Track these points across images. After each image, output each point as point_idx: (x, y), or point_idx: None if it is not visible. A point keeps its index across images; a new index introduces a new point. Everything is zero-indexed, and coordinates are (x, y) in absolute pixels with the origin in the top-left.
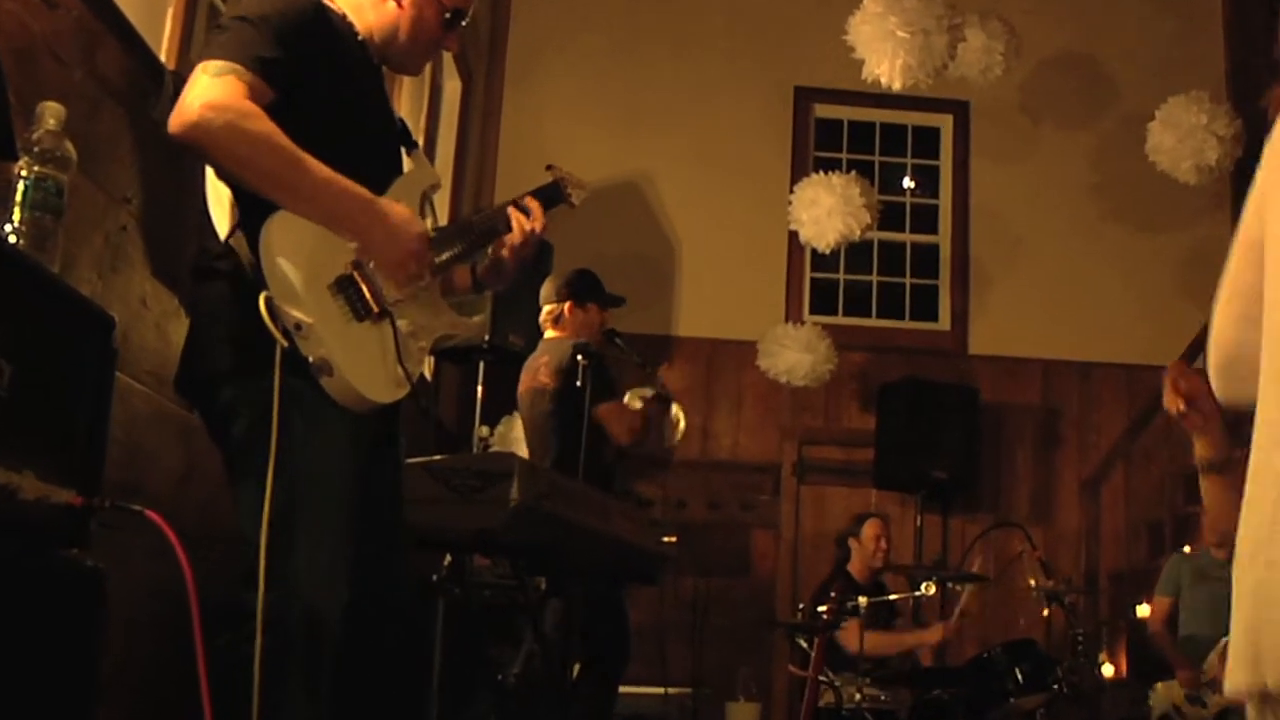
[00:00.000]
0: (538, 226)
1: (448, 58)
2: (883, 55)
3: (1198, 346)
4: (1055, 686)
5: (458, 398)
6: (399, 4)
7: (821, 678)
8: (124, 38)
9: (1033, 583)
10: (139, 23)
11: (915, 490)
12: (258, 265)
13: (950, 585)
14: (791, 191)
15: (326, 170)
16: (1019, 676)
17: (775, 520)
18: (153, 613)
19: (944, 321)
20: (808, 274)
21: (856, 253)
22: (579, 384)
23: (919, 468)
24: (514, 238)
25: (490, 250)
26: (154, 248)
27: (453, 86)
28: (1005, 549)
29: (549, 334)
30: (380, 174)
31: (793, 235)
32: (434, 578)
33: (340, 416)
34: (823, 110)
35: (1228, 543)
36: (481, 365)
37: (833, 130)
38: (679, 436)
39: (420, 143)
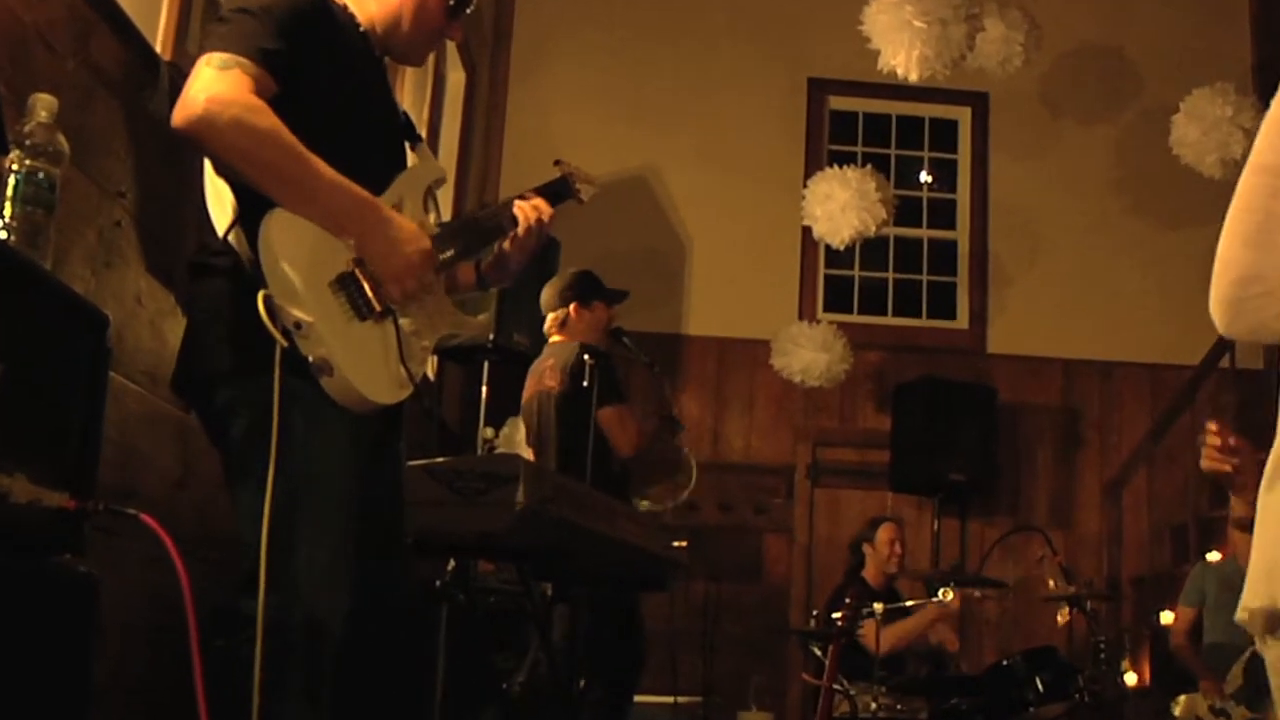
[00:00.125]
0: (545, 219)
1: (451, 48)
2: (899, 45)
3: (1223, 345)
4: (1076, 695)
5: (461, 398)
6: None
7: (836, 686)
8: (118, 27)
9: (1053, 586)
10: (134, 12)
11: (932, 493)
12: (257, 262)
13: (969, 591)
14: (805, 186)
15: (332, 171)
16: (1039, 685)
17: (788, 524)
18: (148, 619)
19: (962, 320)
20: (822, 271)
21: (872, 249)
22: (585, 384)
23: (936, 470)
24: (520, 233)
25: (495, 246)
26: (149, 244)
27: (456, 78)
28: (1025, 554)
29: (555, 339)
30: (383, 168)
31: (806, 231)
32: (437, 583)
33: (341, 417)
34: (837, 102)
35: None
36: (486, 365)
37: (847, 123)
38: (690, 484)
39: (423, 136)
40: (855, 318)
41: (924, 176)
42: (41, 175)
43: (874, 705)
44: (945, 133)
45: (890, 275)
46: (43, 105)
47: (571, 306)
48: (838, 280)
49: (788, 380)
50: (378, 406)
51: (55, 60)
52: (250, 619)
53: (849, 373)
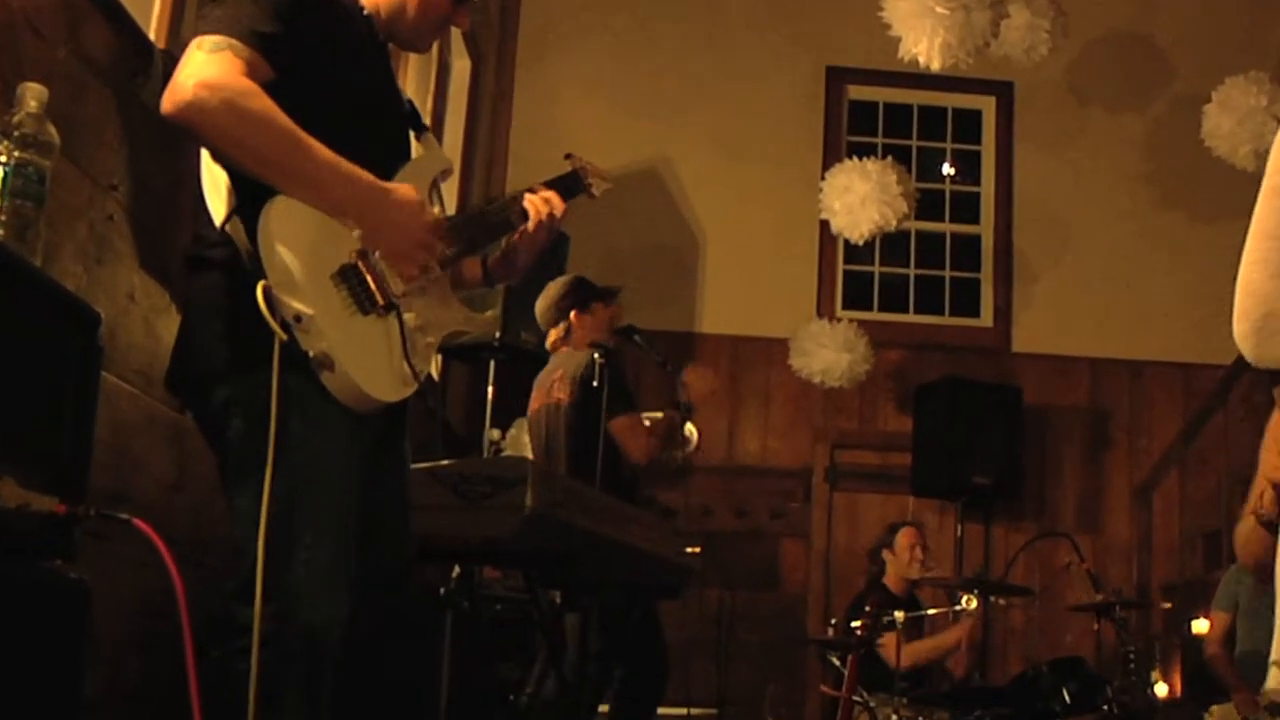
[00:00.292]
0: (556, 213)
1: (456, 35)
2: (921, 33)
3: None
4: (1105, 707)
5: (466, 398)
6: None
7: (856, 698)
8: (111, 13)
9: (1080, 594)
10: None
11: (955, 497)
12: (255, 253)
13: (992, 599)
14: (823, 178)
15: (329, 153)
16: (1066, 696)
17: (806, 529)
18: (141, 627)
19: (986, 317)
20: (840, 266)
21: (892, 244)
22: (595, 384)
23: (959, 473)
24: (530, 227)
25: (503, 241)
26: (143, 238)
27: (462, 66)
28: (1051, 560)
29: (561, 349)
30: (387, 159)
31: (824, 225)
32: (441, 590)
33: (342, 416)
34: (857, 92)
35: None
36: (492, 364)
37: (867, 113)
38: (689, 450)
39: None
40: (875, 315)
41: (946, 169)
42: (31, 167)
43: (894, 717)
44: (969, 123)
45: (911, 271)
46: (32, 95)
47: (571, 315)
48: (857, 276)
49: (805, 380)
50: (380, 404)
51: (45, 48)
52: (246, 628)
53: (869, 372)
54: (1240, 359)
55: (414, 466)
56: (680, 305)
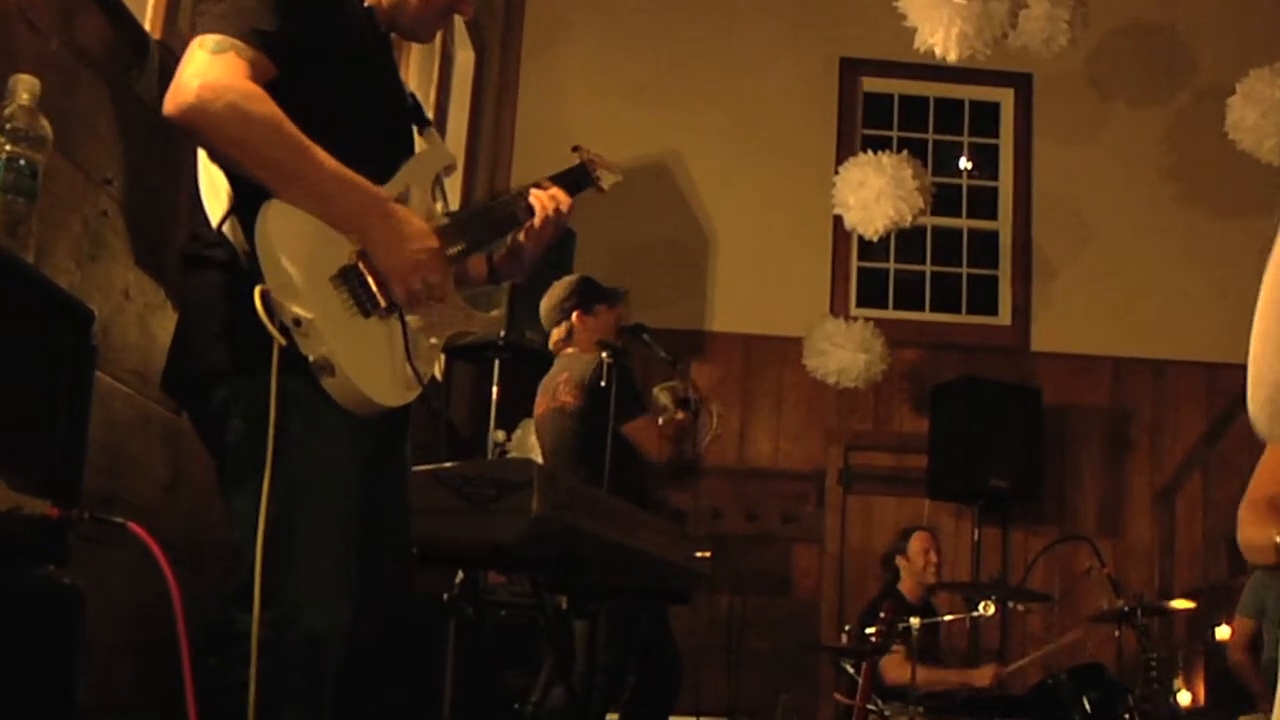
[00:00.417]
0: (563, 209)
1: (460, 26)
2: (937, 23)
3: None
4: (1126, 716)
5: (471, 399)
6: None
7: (870, 706)
8: (105, 4)
9: (1101, 600)
10: None
11: (972, 500)
12: (253, 254)
13: (1010, 605)
14: (836, 173)
15: (333, 161)
16: (1086, 705)
17: (819, 533)
18: (136, 634)
19: (1004, 315)
20: (854, 263)
21: (908, 240)
22: (604, 385)
23: (976, 476)
24: (537, 223)
25: (509, 238)
26: (138, 234)
27: (465, 57)
28: (1071, 565)
29: (566, 351)
30: (389, 154)
31: (838, 220)
32: (445, 596)
33: (343, 420)
34: (871, 84)
35: None
36: (497, 363)
37: (882, 106)
38: (709, 437)
39: (431, 119)
40: (890, 313)
41: (963, 163)
42: (23, 161)
43: None
44: (986, 116)
45: (927, 268)
46: (24, 87)
47: (574, 316)
48: (871, 273)
49: (818, 380)
50: (382, 409)
51: (38, 39)
52: (244, 635)
53: (884, 372)
54: None
55: (417, 469)
56: (690, 303)
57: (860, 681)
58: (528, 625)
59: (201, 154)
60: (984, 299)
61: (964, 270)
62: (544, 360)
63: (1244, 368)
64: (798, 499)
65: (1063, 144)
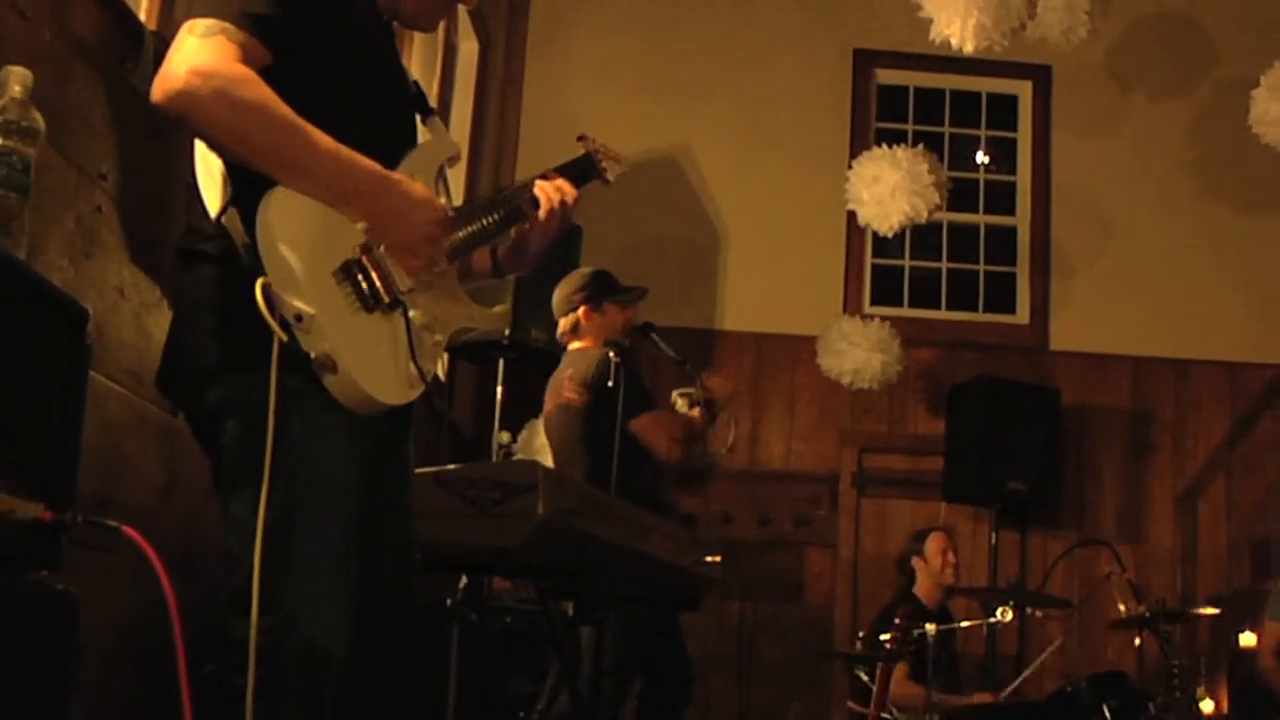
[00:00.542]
0: (568, 200)
1: (464, 16)
2: (953, 13)
3: None
4: None
5: (475, 399)
6: None
7: (885, 715)
8: None
9: (1122, 608)
10: None
11: (989, 504)
12: (253, 248)
13: (1029, 611)
14: (850, 167)
15: (330, 141)
16: (1107, 713)
17: (832, 538)
18: (131, 641)
19: (1022, 314)
20: (868, 260)
21: (923, 236)
22: (610, 384)
23: (994, 478)
24: (542, 216)
25: (513, 231)
26: (133, 230)
27: (469, 48)
28: (1091, 570)
29: (572, 346)
30: (392, 144)
31: (851, 216)
32: (448, 602)
33: (344, 419)
34: (886, 76)
35: None
36: (501, 362)
37: (897, 98)
38: (726, 449)
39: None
40: (905, 311)
41: (980, 157)
42: (14, 156)
43: None
44: (1004, 109)
45: (943, 265)
46: (16, 79)
47: (580, 311)
48: (886, 271)
49: (832, 380)
50: (385, 407)
51: (30, 29)
52: (242, 642)
53: (899, 372)
54: None
55: (419, 471)
56: (700, 301)
57: (875, 689)
58: (533, 632)
59: (198, 143)
60: (1001, 297)
61: (981, 267)
62: (550, 359)
63: (1268, 368)
64: (811, 502)
65: (1082, 137)
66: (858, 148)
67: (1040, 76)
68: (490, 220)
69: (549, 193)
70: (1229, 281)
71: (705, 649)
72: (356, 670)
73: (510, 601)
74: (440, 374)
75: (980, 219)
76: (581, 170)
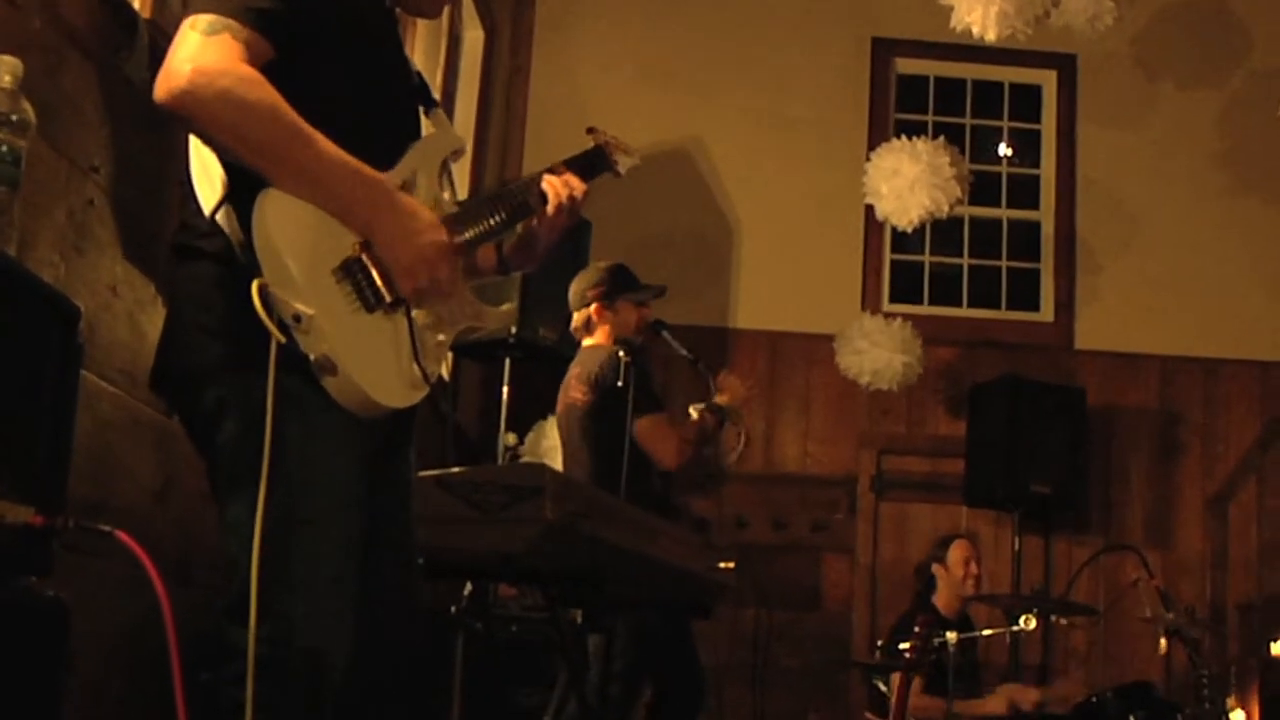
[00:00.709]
0: (577, 194)
1: (468, 4)
2: (975, 1)
3: None
4: None
5: (480, 400)
6: None
7: None
8: None
9: (1149, 615)
10: None
11: (1012, 508)
12: (250, 245)
13: (1053, 619)
14: (868, 160)
15: (335, 149)
16: None
17: (850, 542)
18: (124, 649)
19: (1046, 311)
20: (887, 256)
21: (944, 231)
22: (620, 384)
23: (1017, 481)
24: (550, 211)
25: (520, 227)
26: (127, 226)
27: (474, 37)
28: (1117, 576)
29: (584, 343)
30: (394, 137)
31: (869, 211)
32: (452, 609)
33: (344, 421)
34: (905, 65)
35: None
36: (508, 362)
37: (917, 88)
38: (736, 455)
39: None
40: (925, 309)
41: (1003, 149)
42: (4, 149)
43: None
44: (1027, 100)
45: (965, 261)
46: (5, 68)
47: (593, 307)
48: (905, 267)
49: (849, 380)
50: (387, 410)
51: (19, 18)
52: (239, 651)
53: (919, 374)
54: None
55: (422, 474)
56: (713, 298)
57: (893, 699)
58: (540, 640)
59: (193, 137)
60: (1025, 294)
61: (1003, 263)
62: (558, 359)
63: None
64: (828, 506)
65: (1108, 129)
66: (876, 140)
67: (1065, 66)
68: (497, 217)
69: (557, 187)
70: (1261, 278)
71: (719, 657)
72: (357, 680)
73: (517, 609)
74: (444, 374)
75: (1003, 213)
76: (591, 163)
